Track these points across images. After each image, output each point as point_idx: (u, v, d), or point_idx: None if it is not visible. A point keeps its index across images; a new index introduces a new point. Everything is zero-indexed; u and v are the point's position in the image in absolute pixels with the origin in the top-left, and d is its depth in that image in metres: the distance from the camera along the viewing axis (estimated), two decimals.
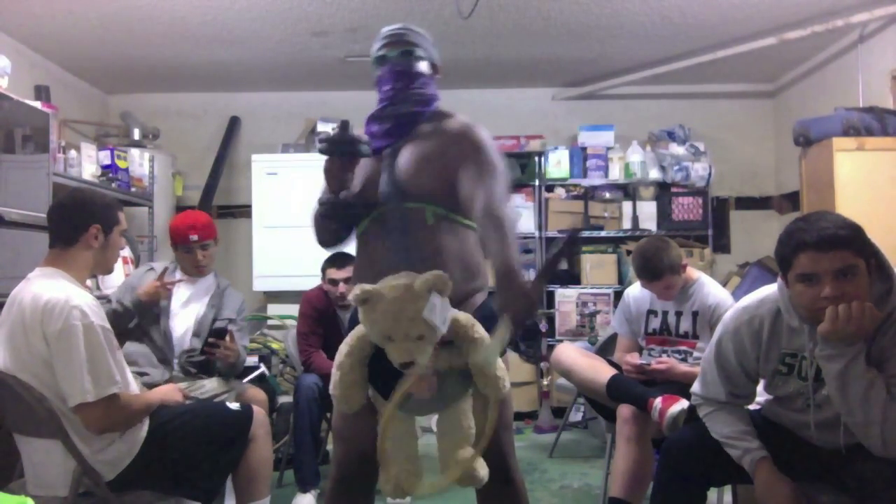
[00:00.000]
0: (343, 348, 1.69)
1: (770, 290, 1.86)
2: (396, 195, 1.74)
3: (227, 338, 2.74)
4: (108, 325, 1.98)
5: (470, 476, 1.66)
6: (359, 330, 1.68)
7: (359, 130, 1.93)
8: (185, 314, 2.90)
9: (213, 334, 2.75)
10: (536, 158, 4.99)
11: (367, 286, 1.55)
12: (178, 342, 2.85)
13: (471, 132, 1.81)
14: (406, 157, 1.77)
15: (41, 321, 1.89)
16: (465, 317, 1.66)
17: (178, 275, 2.98)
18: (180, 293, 2.95)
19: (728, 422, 1.90)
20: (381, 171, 1.78)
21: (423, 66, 1.84)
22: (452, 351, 1.63)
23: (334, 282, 3.34)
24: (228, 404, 2.37)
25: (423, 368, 1.58)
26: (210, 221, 3.04)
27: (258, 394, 2.89)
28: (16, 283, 2.05)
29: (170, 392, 2.23)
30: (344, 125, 1.71)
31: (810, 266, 1.64)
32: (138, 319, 2.83)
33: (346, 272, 3.29)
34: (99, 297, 2.35)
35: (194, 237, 2.91)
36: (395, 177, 1.75)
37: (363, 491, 1.85)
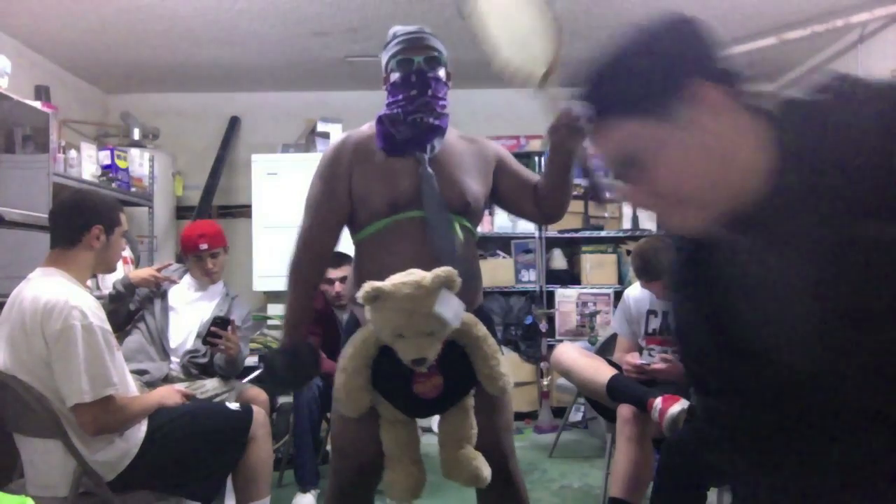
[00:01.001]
0: (346, 351, 1.68)
1: None
2: (438, 205, 1.75)
3: (230, 329, 2.74)
4: (107, 327, 1.98)
5: (474, 476, 1.66)
6: (362, 333, 1.68)
7: (358, 127, 1.92)
8: (190, 315, 2.91)
9: (215, 323, 2.75)
10: (537, 158, 4.99)
11: (377, 283, 1.54)
12: (182, 343, 2.85)
13: (488, 142, 1.99)
14: (442, 171, 1.79)
15: (41, 321, 1.89)
16: (468, 316, 1.68)
17: (188, 279, 3.00)
18: (187, 294, 2.97)
19: None
20: (399, 173, 1.78)
21: (444, 74, 1.83)
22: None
23: (330, 281, 3.35)
24: (228, 404, 2.37)
25: (431, 363, 1.58)
26: (219, 231, 3.08)
27: (259, 394, 2.89)
28: (16, 283, 2.05)
29: (168, 395, 2.23)
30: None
31: None
32: (136, 306, 2.85)
33: (342, 271, 3.29)
34: (99, 298, 2.35)
35: (204, 245, 2.96)
36: (433, 187, 1.76)
37: (363, 500, 1.84)
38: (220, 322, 2.75)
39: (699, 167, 0.87)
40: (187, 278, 3.02)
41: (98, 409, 1.89)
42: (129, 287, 2.80)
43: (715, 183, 0.87)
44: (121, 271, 3.61)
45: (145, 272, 2.85)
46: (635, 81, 0.88)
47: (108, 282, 3.51)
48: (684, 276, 1.05)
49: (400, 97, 1.79)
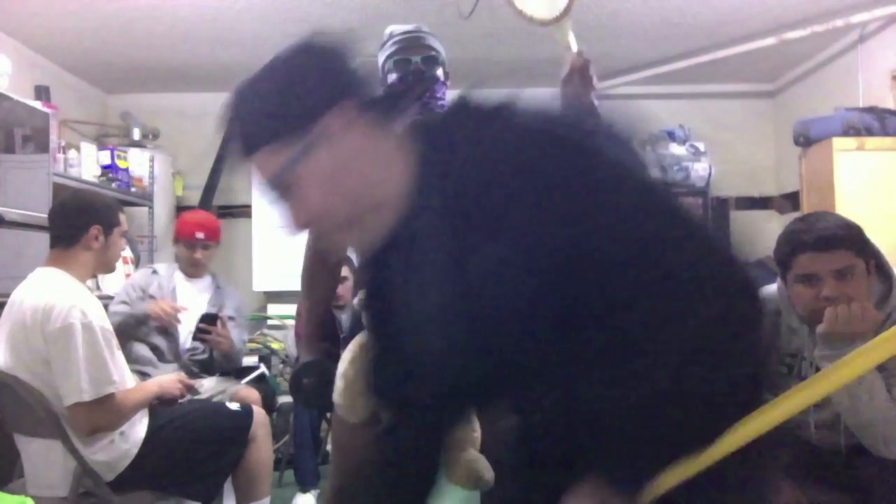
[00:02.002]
0: (346, 356, 1.67)
1: (769, 290, 1.86)
2: None
3: (219, 324, 2.74)
4: (108, 326, 1.98)
5: (476, 479, 1.66)
6: (361, 337, 1.67)
7: None
8: (187, 315, 2.91)
9: (203, 320, 2.75)
10: None
11: None
12: (182, 343, 2.86)
13: None
14: None
15: (41, 321, 1.89)
16: None
17: (179, 276, 3.00)
18: (183, 297, 2.96)
19: None
20: None
21: (441, 73, 1.83)
22: None
23: None
24: (228, 405, 2.37)
25: None
26: (218, 226, 3.09)
27: (251, 393, 2.88)
28: (16, 283, 2.05)
29: (169, 383, 2.20)
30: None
31: (809, 267, 1.63)
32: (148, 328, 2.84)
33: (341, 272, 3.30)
34: (99, 297, 2.35)
35: (200, 235, 2.96)
36: None
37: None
38: (209, 319, 2.76)
39: (341, 190, 0.88)
40: (178, 276, 3.00)
41: (97, 407, 1.89)
42: (141, 319, 2.76)
43: (359, 204, 0.88)
44: (120, 271, 3.61)
45: (165, 308, 2.76)
46: (272, 107, 0.88)
47: (108, 282, 3.51)
48: (364, 292, 1.08)
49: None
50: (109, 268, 2.21)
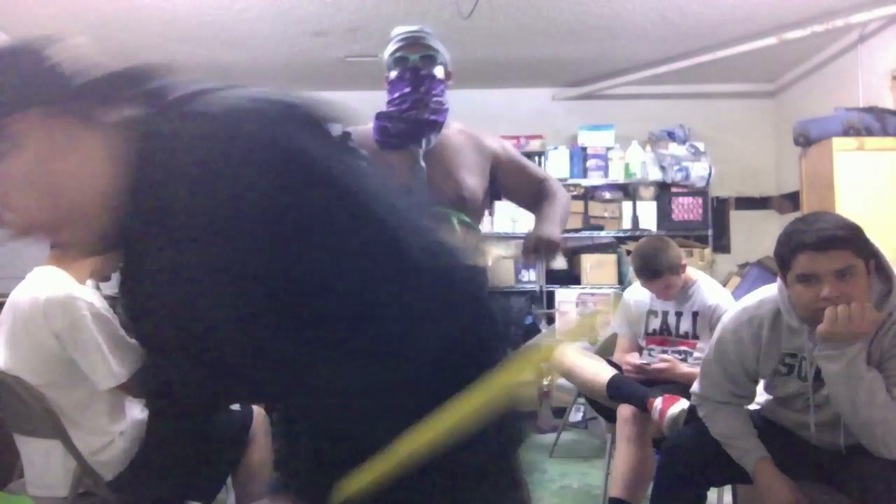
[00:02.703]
0: None
1: (770, 290, 1.86)
2: (430, 200, 1.78)
3: None
4: (112, 312, 2.01)
5: None
6: None
7: (357, 127, 1.94)
8: None
9: None
10: (536, 158, 4.99)
11: None
12: None
13: (488, 137, 2.00)
14: (437, 165, 1.82)
15: (45, 319, 1.89)
16: None
17: None
18: None
19: (728, 422, 1.90)
20: (394, 168, 1.80)
21: (440, 72, 1.86)
22: None
23: None
24: None
25: None
26: None
27: None
28: (16, 283, 2.05)
29: None
30: None
31: (809, 266, 1.64)
32: None
33: None
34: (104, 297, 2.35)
35: None
36: (427, 182, 1.80)
37: None
38: None
39: (40, 195, 0.84)
40: None
41: (134, 382, 1.91)
42: None
43: (63, 207, 0.85)
44: None
45: None
46: None
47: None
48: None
49: (395, 94, 1.84)
50: (106, 273, 2.22)
